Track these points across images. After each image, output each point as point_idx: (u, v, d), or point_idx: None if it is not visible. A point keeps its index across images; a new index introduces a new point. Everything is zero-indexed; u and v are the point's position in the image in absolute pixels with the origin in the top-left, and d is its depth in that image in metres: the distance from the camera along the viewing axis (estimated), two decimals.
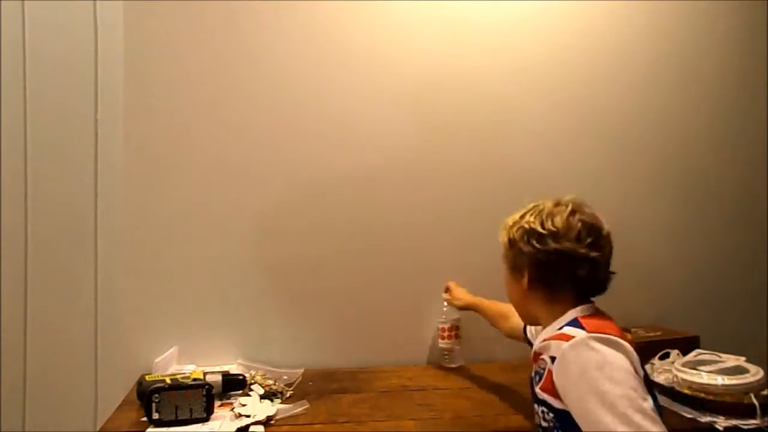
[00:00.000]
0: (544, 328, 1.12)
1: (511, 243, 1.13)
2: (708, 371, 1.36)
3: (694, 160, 1.94)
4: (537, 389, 1.06)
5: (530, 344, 1.25)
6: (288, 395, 1.46)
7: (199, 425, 1.26)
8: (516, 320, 1.35)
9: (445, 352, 1.72)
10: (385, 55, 1.73)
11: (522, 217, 1.12)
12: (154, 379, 1.30)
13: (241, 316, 1.69)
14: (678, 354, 1.55)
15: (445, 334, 1.71)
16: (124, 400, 1.43)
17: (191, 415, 1.27)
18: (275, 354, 1.69)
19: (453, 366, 1.71)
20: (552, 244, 1.06)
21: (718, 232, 1.97)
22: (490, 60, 1.79)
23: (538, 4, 1.81)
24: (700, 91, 1.93)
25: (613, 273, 1.09)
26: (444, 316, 1.72)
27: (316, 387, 1.53)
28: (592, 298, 1.10)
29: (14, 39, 1.67)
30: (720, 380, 1.32)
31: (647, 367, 1.53)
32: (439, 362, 1.74)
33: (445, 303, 1.70)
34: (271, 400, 1.40)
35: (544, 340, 1.06)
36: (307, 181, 1.71)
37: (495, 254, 1.79)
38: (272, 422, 1.28)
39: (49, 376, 1.70)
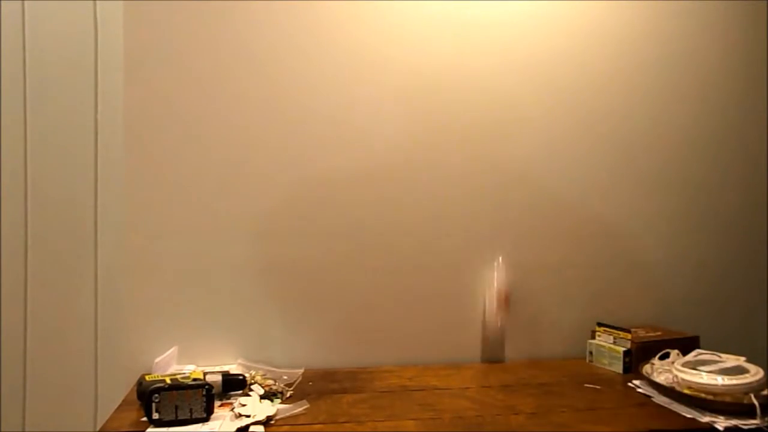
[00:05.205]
0: None
1: None
2: (708, 371, 1.36)
3: (696, 161, 1.94)
4: None
5: None
6: (288, 395, 1.46)
7: (199, 425, 1.26)
8: None
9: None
10: (386, 55, 1.73)
11: None
12: (154, 379, 1.30)
13: (241, 316, 1.69)
14: (678, 354, 1.55)
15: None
16: (124, 400, 1.43)
17: (191, 415, 1.27)
18: (275, 354, 1.69)
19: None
20: None
21: (719, 232, 1.97)
22: (491, 60, 1.79)
23: (538, 4, 1.81)
24: (701, 92, 1.94)
25: None
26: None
27: (316, 387, 1.53)
28: None
29: (14, 39, 1.67)
30: (720, 380, 1.32)
31: (647, 367, 1.54)
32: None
33: None
34: (271, 400, 1.40)
35: None
36: (308, 180, 1.71)
37: (495, 253, 1.81)
38: (272, 422, 1.28)
39: (49, 376, 1.70)
